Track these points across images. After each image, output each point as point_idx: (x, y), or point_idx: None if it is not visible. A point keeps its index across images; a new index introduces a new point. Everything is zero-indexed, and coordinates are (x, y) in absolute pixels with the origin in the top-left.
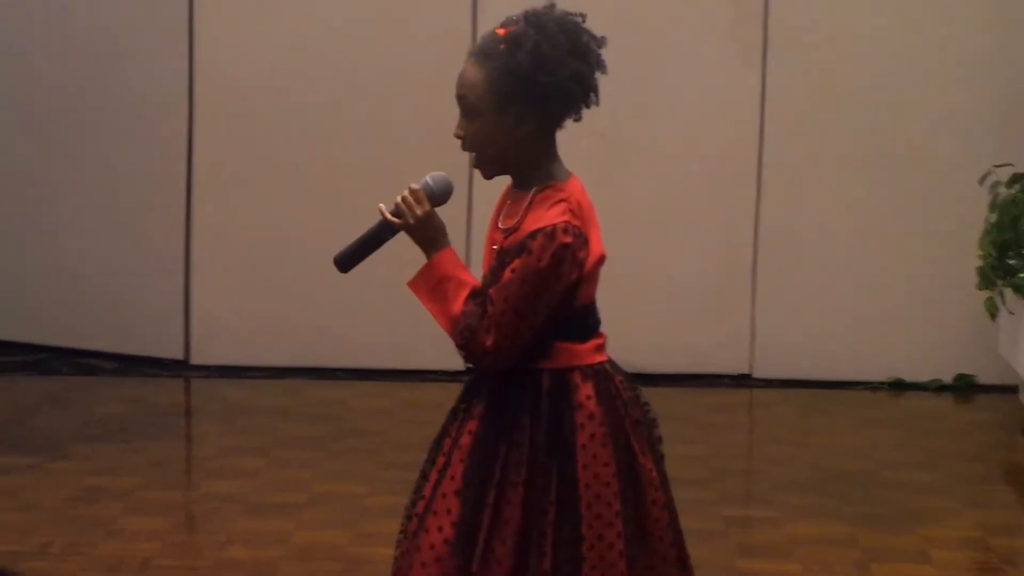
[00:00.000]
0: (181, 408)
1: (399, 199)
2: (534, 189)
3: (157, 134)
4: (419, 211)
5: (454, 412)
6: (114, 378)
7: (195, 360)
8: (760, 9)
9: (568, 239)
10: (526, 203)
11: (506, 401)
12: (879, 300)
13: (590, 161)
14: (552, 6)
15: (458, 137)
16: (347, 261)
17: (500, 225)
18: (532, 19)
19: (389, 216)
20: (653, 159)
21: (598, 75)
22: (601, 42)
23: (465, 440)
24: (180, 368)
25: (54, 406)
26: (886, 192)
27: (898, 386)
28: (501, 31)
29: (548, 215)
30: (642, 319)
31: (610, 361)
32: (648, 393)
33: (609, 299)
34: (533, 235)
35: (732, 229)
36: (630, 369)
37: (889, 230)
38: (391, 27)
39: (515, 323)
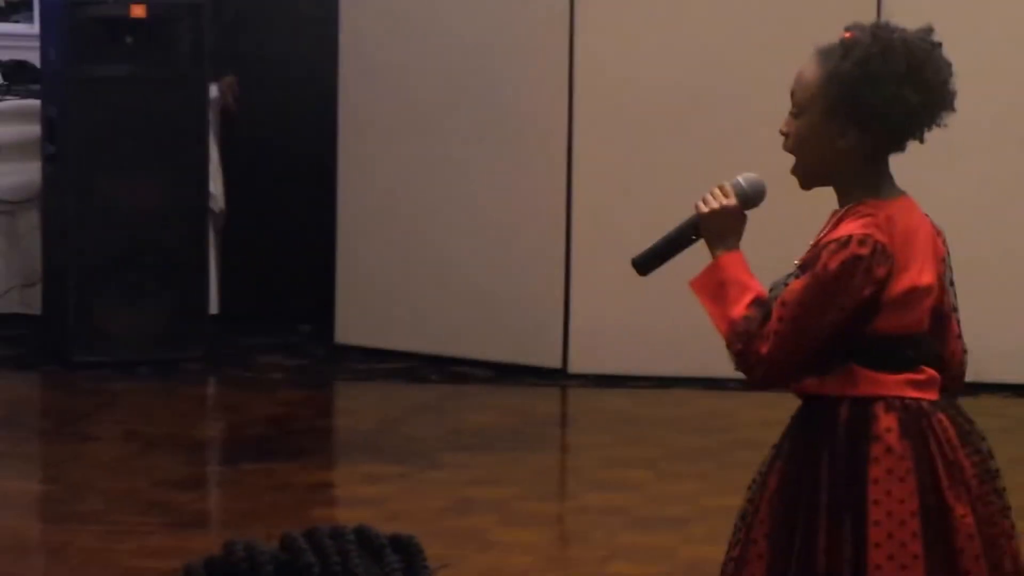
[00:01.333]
0: (559, 418)
1: (710, 191)
2: (849, 206)
3: (538, 142)
4: (720, 203)
5: (775, 448)
6: (488, 386)
7: (573, 369)
8: None
9: (863, 251)
10: (836, 218)
11: (809, 436)
12: None
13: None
14: (928, 30)
15: (782, 134)
16: (647, 262)
17: (812, 241)
18: (878, 31)
19: (697, 205)
20: None
21: (939, 110)
22: (949, 73)
23: (773, 480)
24: (558, 377)
25: (425, 414)
26: None
27: None
28: (846, 34)
29: (849, 227)
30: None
31: (943, 402)
32: None
33: None
34: (826, 244)
35: None
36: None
37: None
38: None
39: (795, 335)
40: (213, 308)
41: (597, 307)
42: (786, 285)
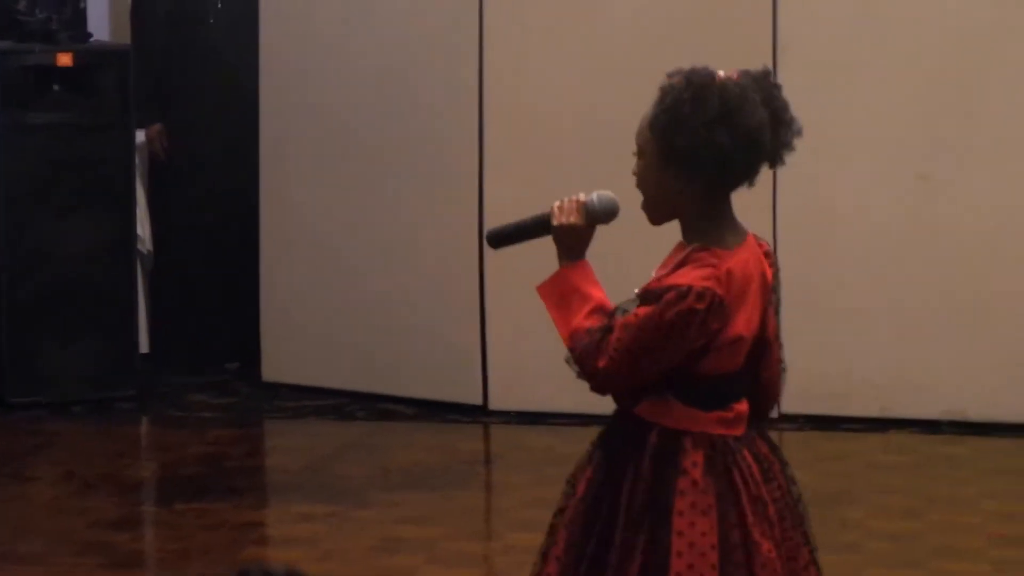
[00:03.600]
0: (483, 455)
1: (568, 199)
2: (694, 246)
3: (451, 179)
4: (569, 219)
5: (588, 451)
6: (413, 423)
7: (494, 405)
8: None
9: (700, 306)
10: (681, 257)
11: (618, 451)
12: None
13: (909, 202)
14: (765, 72)
15: (633, 175)
16: (499, 239)
17: (654, 272)
18: (693, 76)
19: (552, 210)
20: (971, 198)
21: (758, 152)
22: (781, 114)
23: (580, 487)
24: (479, 414)
25: (353, 452)
26: None
27: None
28: (668, 78)
29: (691, 275)
30: (966, 365)
31: (749, 436)
32: (975, 443)
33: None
34: (668, 288)
35: None
36: (956, 418)
37: None
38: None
39: (629, 362)
40: (144, 347)
41: (515, 343)
42: (625, 312)
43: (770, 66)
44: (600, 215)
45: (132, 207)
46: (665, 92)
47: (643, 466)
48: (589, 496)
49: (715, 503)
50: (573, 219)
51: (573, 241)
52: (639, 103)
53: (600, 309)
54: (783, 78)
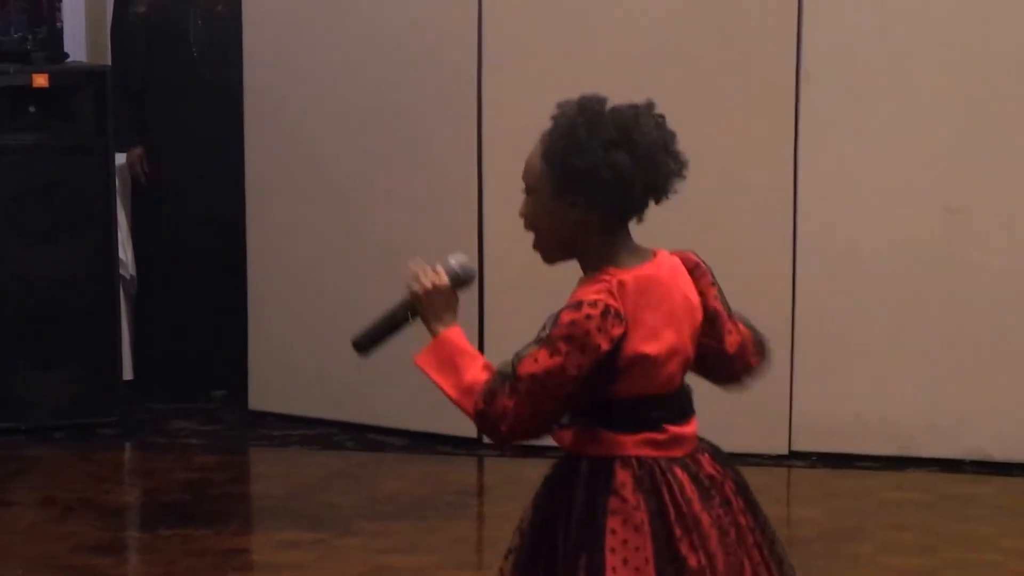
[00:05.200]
0: (474, 487)
1: (422, 270)
2: (594, 275)
3: (448, 208)
4: (434, 282)
5: (539, 487)
6: (403, 454)
7: (488, 438)
8: None
9: (594, 312)
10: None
11: (555, 487)
12: None
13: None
14: (649, 105)
15: (521, 216)
16: (365, 344)
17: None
18: (585, 102)
19: (408, 285)
20: (1001, 231)
21: (657, 171)
22: (662, 136)
23: (528, 515)
24: (472, 446)
25: (341, 481)
26: None
27: None
28: (558, 108)
29: (581, 293)
30: (990, 403)
31: (690, 457)
32: (999, 483)
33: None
34: (559, 312)
35: None
36: (980, 457)
37: None
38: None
39: (537, 391)
40: (127, 374)
41: None
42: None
43: (792, 94)
44: (462, 278)
45: (112, 231)
46: (558, 119)
47: (577, 497)
48: (531, 537)
49: (647, 519)
50: (439, 281)
51: (441, 305)
52: None
53: (488, 366)
54: (806, 106)
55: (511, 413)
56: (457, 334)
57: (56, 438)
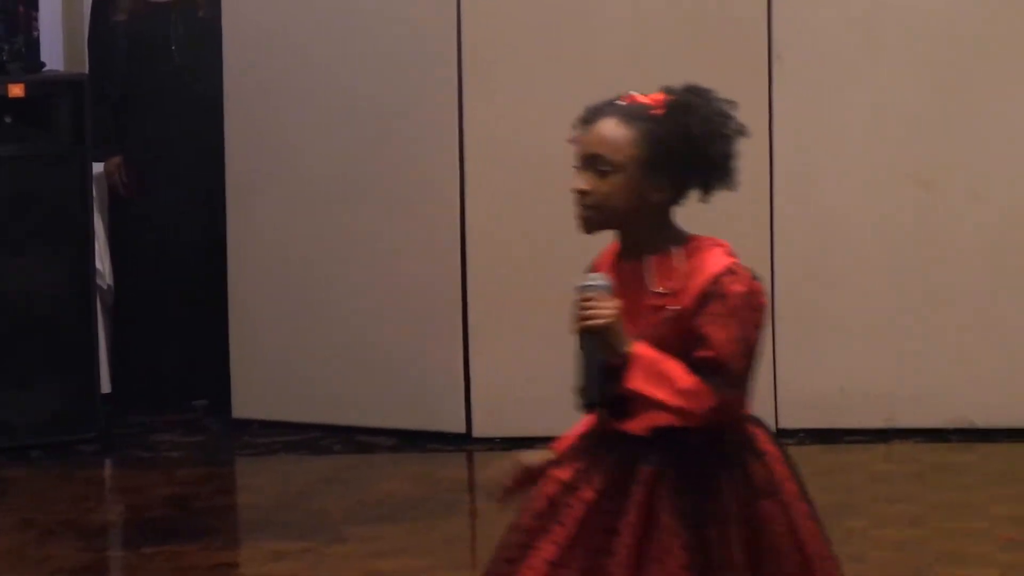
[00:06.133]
0: (466, 483)
1: (583, 306)
2: (679, 248)
3: (431, 207)
4: (608, 309)
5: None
6: (392, 455)
7: (478, 433)
8: None
9: (751, 276)
10: (679, 261)
11: (695, 457)
12: None
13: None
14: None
15: (580, 192)
16: (595, 395)
17: (657, 289)
18: (697, 91)
19: (587, 325)
20: (973, 204)
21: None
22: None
23: (660, 497)
24: (463, 442)
25: (329, 486)
26: None
27: None
28: (650, 99)
29: (712, 259)
30: (972, 373)
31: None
32: (983, 450)
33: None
34: (716, 280)
35: None
36: (963, 425)
37: None
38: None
39: (748, 363)
40: (105, 387)
41: (498, 370)
42: (688, 336)
43: (765, 75)
44: (609, 287)
45: (90, 241)
46: (685, 107)
47: (737, 461)
48: (683, 506)
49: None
50: (611, 304)
51: (619, 326)
52: None
53: (692, 361)
54: (778, 88)
55: (740, 398)
56: (645, 347)
57: (33, 457)
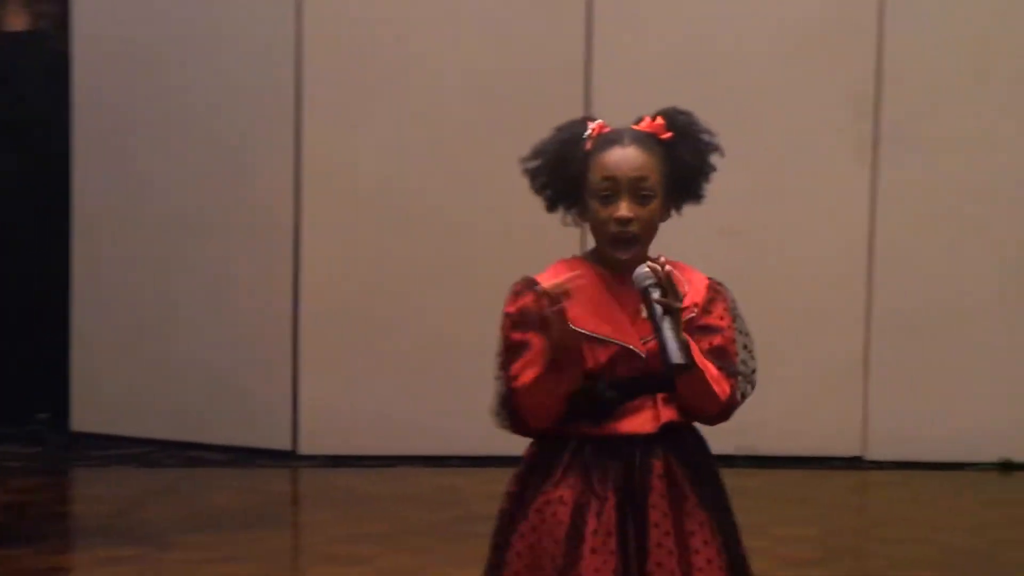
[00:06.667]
0: (290, 497)
1: (670, 286)
2: (669, 262)
3: (265, 232)
4: (683, 290)
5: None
6: (222, 469)
7: (303, 451)
8: (871, 106)
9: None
10: (682, 277)
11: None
12: (988, 385)
13: (714, 255)
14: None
15: (625, 219)
16: (690, 359)
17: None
18: (684, 113)
19: (674, 306)
20: (769, 250)
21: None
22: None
23: (685, 490)
24: (289, 459)
25: (161, 497)
26: (997, 282)
27: (1007, 466)
28: (654, 125)
29: (692, 270)
30: (759, 405)
31: None
32: (765, 475)
33: None
34: (711, 287)
35: (846, 318)
36: (749, 452)
37: (997, 317)
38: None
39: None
40: None
41: (325, 390)
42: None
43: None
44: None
45: None
46: (691, 128)
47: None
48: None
49: None
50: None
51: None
52: (454, 164)
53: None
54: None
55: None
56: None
57: None
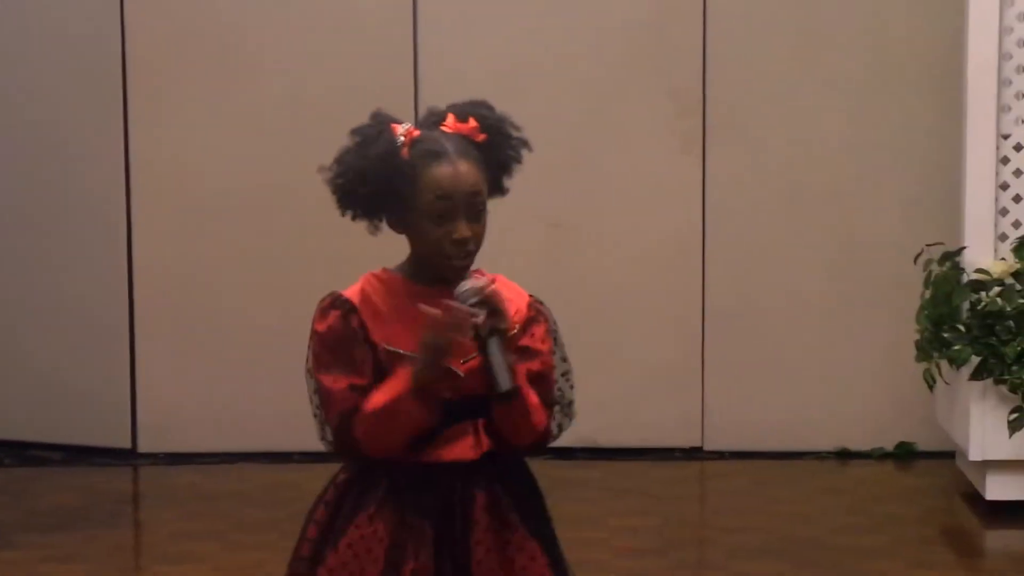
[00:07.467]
0: (130, 496)
1: (493, 306)
2: (491, 277)
3: (98, 228)
4: (507, 309)
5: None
6: (61, 468)
7: (143, 448)
8: (698, 102)
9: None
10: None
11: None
12: (824, 374)
13: (544, 249)
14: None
15: (464, 239)
16: (514, 385)
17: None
18: (485, 106)
19: (498, 327)
20: (603, 245)
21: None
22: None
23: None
24: (129, 457)
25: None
26: (827, 272)
27: (844, 455)
28: (466, 126)
29: (514, 286)
30: (597, 397)
31: None
32: (604, 467)
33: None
34: (532, 305)
35: (681, 310)
36: (588, 444)
37: (830, 307)
38: (335, 105)
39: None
40: None
41: (163, 389)
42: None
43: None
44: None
45: None
46: (503, 128)
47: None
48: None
49: None
50: (506, 312)
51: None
52: (289, 159)
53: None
54: None
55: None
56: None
57: None
